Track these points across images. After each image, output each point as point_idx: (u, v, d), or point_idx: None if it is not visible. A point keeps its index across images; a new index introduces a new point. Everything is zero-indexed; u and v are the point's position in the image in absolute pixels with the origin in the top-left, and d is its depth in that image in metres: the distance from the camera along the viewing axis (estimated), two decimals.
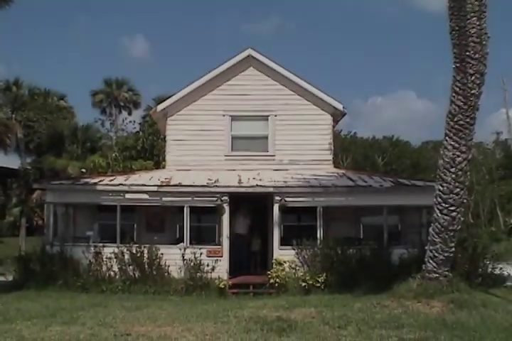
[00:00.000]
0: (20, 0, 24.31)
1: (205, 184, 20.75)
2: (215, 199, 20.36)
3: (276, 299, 17.02)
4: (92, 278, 19.69)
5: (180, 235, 21.33)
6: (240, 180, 21.36)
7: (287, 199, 20.46)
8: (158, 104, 25.96)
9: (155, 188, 20.63)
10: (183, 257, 19.82)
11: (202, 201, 20.50)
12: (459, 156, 15.50)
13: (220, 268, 19.94)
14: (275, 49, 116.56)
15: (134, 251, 19.84)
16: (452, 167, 15.55)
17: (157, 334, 11.44)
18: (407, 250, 19.46)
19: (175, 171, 23.01)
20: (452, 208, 15.61)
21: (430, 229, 16.12)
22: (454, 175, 15.53)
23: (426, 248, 16.38)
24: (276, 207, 20.44)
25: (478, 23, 14.91)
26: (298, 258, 19.99)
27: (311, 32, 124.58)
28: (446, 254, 15.82)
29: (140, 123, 47.15)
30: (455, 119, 15.43)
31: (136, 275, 19.78)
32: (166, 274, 19.75)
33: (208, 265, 19.83)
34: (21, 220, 42.48)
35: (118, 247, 20.08)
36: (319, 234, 20.35)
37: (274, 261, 20.03)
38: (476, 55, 14.99)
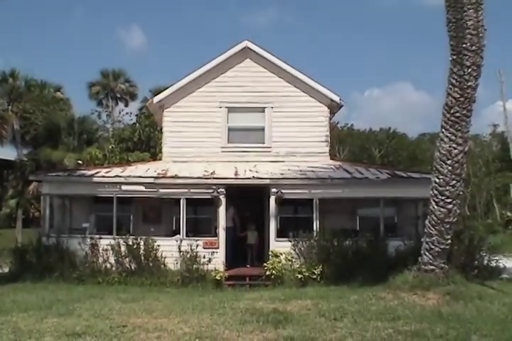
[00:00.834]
0: None
1: (202, 176, 20.76)
2: (211, 191, 20.36)
3: (273, 291, 17.04)
4: (89, 269, 19.69)
5: (176, 227, 21.37)
6: (236, 171, 21.37)
7: (284, 191, 20.46)
8: (155, 95, 25.88)
9: (151, 180, 20.62)
10: (180, 249, 19.84)
11: (198, 193, 20.51)
12: (455, 148, 15.49)
13: (216, 260, 19.96)
14: (273, 41, 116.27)
15: (131, 243, 19.84)
16: (448, 159, 15.55)
17: (153, 325, 11.46)
18: (404, 242, 19.48)
19: (171, 163, 22.99)
20: (448, 200, 15.61)
21: (426, 221, 16.13)
22: (450, 167, 15.53)
23: (422, 240, 16.40)
24: (272, 199, 20.44)
25: (475, 15, 14.87)
26: (294, 250, 20.02)
27: (308, 24, 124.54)
28: (442, 246, 15.84)
29: (137, 115, 47.06)
30: (451, 111, 15.41)
31: (133, 267, 19.79)
32: (162, 266, 19.77)
33: (204, 257, 19.84)
34: (17, 212, 42.42)
35: (114, 239, 20.07)
36: (316, 226, 20.36)
37: (270, 253, 20.06)
38: (473, 47, 14.95)
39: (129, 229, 21.50)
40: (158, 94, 24.90)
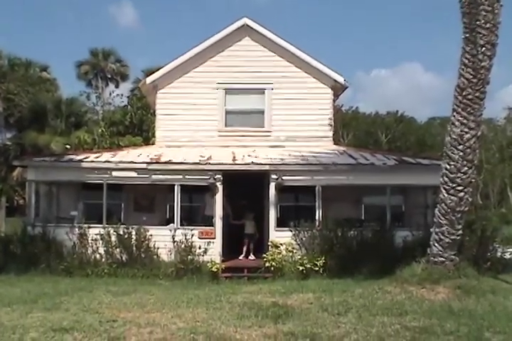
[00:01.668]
0: None
1: (197, 161, 20.71)
2: (207, 177, 20.33)
3: (272, 284, 17.06)
4: (77, 261, 19.67)
5: (170, 215, 21.38)
6: (234, 157, 21.33)
7: (284, 177, 20.44)
8: (148, 76, 25.86)
9: (144, 165, 20.58)
10: (174, 239, 19.82)
11: (193, 179, 20.48)
12: (467, 133, 15.43)
13: (212, 251, 19.95)
14: (272, 20, 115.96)
15: (122, 233, 19.83)
16: (460, 144, 15.49)
17: (145, 320, 11.44)
18: (412, 232, 19.51)
19: (165, 148, 22.98)
20: (460, 188, 15.57)
21: (436, 211, 16.11)
22: (461, 153, 15.48)
23: (431, 230, 16.39)
24: (272, 186, 20.42)
25: None
26: (295, 240, 20.03)
27: (310, 1, 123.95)
28: (452, 237, 15.82)
29: (128, 97, 46.93)
30: (464, 93, 15.34)
31: (124, 258, 19.79)
32: (155, 257, 19.79)
33: (199, 247, 19.84)
34: (1, 199, 42.40)
35: (104, 228, 20.05)
36: (318, 214, 20.37)
37: (270, 243, 20.07)
38: (487, 25, 14.84)
39: (119, 217, 21.56)
40: (151, 74, 24.88)
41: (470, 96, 15.27)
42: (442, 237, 15.86)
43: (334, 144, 24.24)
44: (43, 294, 14.59)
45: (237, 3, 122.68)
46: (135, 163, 20.80)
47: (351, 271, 17.74)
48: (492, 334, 10.48)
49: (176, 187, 20.45)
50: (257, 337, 10.27)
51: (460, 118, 15.46)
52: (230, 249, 21.03)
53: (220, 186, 20.41)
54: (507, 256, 19.22)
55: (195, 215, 21.95)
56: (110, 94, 49.33)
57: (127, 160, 21.00)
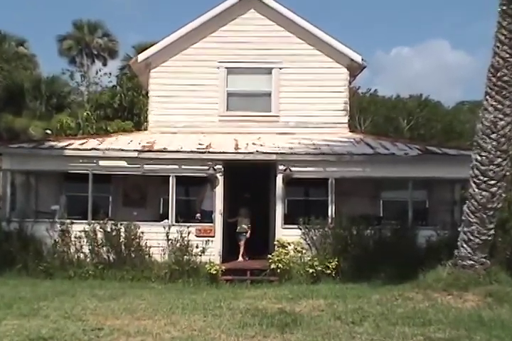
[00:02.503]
0: None
1: (195, 150, 20.70)
2: (206, 167, 20.31)
3: (278, 288, 17.16)
4: (58, 261, 19.71)
5: (164, 210, 21.48)
6: (236, 145, 21.32)
7: (293, 168, 20.43)
8: (139, 53, 25.84)
9: (135, 154, 20.55)
10: (168, 237, 19.83)
11: (191, 170, 20.48)
12: (501, 120, 15.38)
13: (211, 251, 19.97)
14: None
15: (109, 230, 19.87)
16: (493, 132, 15.43)
17: (135, 328, 11.44)
18: (436, 232, 19.57)
19: (159, 134, 22.98)
20: (492, 182, 15.54)
21: (465, 207, 16.09)
22: (495, 143, 15.43)
23: (459, 229, 16.37)
24: (279, 178, 20.42)
25: None
26: (305, 239, 20.08)
27: None
28: (483, 237, 15.80)
29: (117, 76, 46.86)
30: (498, 75, 15.27)
31: (111, 258, 19.84)
32: (146, 257, 19.82)
33: (197, 246, 19.83)
34: None
35: (89, 224, 20.06)
36: (331, 211, 20.39)
37: (276, 242, 20.09)
38: None
39: (107, 212, 21.63)
40: (144, 51, 24.84)
41: (506, 78, 15.21)
42: (471, 237, 15.83)
43: (350, 131, 24.25)
44: (19, 298, 14.60)
45: None
46: (125, 150, 20.77)
47: (367, 274, 17.78)
48: None
49: (170, 178, 20.45)
50: None
51: (494, 102, 15.40)
52: (232, 248, 21.04)
53: (220, 178, 20.40)
54: None
55: (193, 210, 21.93)
56: (97, 72, 49.16)
57: (116, 148, 20.98)
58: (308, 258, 19.61)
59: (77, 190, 21.47)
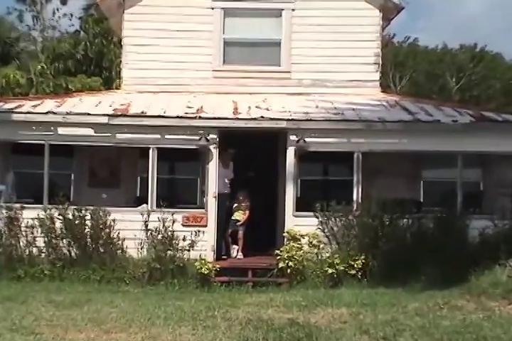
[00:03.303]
0: None
1: (183, 114, 20.62)
2: (197, 137, 20.24)
3: (289, 293, 17.17)
4: (3, 257, 19.68)
5: (142, 193, 21.45)
6: (235, 109, 21.26)
7: (308, 139, 20.34)
8: None
9: (105, 119, 20.44)
10: (147, 226, 19.78)
11: (177, 140, 20.43)
12: None
13: (202, 244, 19.91)
14: None
15: (71, 217, 19.78)
16: None
17: None
18: (494, 222, 19.53)
19: (135, 94, 22.95)
20: None
21: None
22: None
23: None
24: (291, 152, 20.38)
25: None
26: (323, 230, 20.08)
27: None
28: None
29: (80, 19, 46.83)
30: None
31: (73, 254, 19.80)
32: (119, 252, 19.82)
33: (184, 239, 19.78)
34: None
35: (45, 210, 20.00)
36: (356, 194, 20.42)
37: (285, 234, 20.05)
38: None
39: (68, 195, 21.48)
40: None
41: None
42: None
43: (382, 92, 24.22)
44: None
45: None
46: (91, 115, 20.62)
47: (403, 276, 17.78)
48: None
49: (150, 151, 20.38)
50: None
51: None
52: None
53: (214, 150, 20.34)
54: None
55: (180, 192, 21.91)
56: (54, 13, 49.20)
57: (80, 112, 20.83)
58: (327, 254, 19.63)
59: (29, 166, 21.45)
